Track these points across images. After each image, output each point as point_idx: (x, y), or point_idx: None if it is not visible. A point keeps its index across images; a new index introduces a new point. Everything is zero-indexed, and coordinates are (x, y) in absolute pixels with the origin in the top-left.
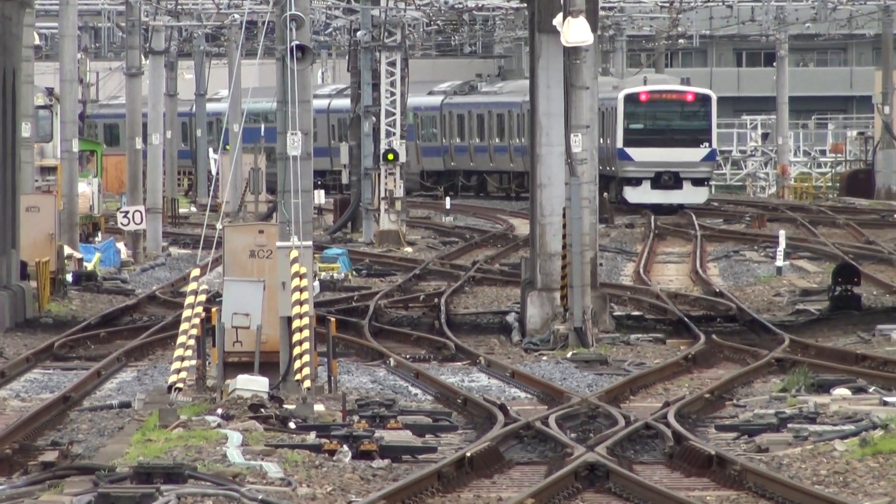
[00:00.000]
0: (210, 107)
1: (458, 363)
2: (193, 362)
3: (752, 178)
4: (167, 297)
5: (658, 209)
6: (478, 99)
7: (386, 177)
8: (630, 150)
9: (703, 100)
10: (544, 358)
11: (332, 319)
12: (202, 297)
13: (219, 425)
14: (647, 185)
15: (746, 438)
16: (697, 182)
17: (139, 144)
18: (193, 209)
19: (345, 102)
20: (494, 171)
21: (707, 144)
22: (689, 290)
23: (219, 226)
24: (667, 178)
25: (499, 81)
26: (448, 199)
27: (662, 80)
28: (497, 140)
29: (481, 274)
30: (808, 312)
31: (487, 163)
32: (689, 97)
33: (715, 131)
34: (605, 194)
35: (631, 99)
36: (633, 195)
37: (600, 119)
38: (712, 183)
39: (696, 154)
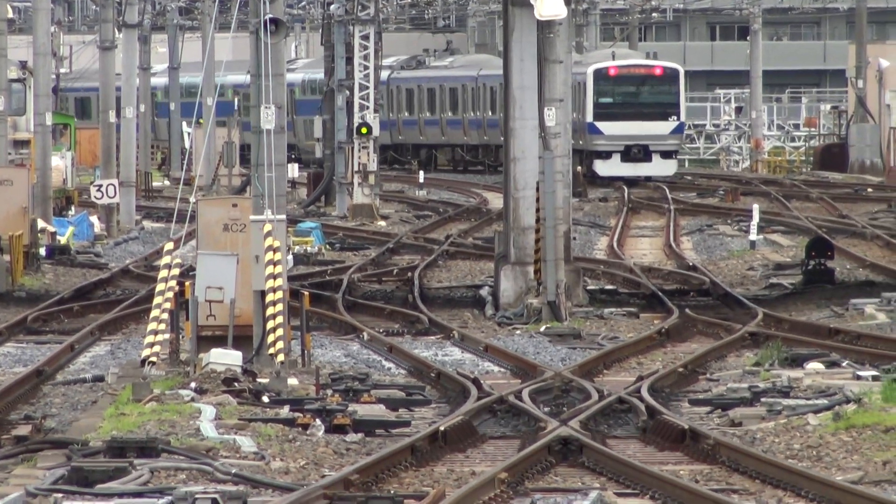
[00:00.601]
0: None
1: (432, 337)
2: (167, 336)
3: (725, 152)
4: (141, 270)
5: (627, 181)
6: (428, 73)
7: (359, 150)
8: (600, 124)
9: (671, 74)
10: (518, 332)
11: (306, 293)
12: (175, 271)
13: (192, 399)
14: (616, 158)
15: (720, 412)
16: (666, 154)
17: (113, 118)
18: (167, 183)
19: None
20: (446, 145)
21: (675, 118)
22: (663, 264)
23: (192, 199)
24: (636, 151)
25: (447, 56)
26: (422, 172)
27: (629, 55)
28: (450, 114)
29: (455, 248)
30: (782, 286)
31: (439, 136)
32: (658, 71)
33: (683, 105)
34: (580, 168)
35: (600, 74)
36: (602, 168)
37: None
38: (686, 157)
39: (664, 127)
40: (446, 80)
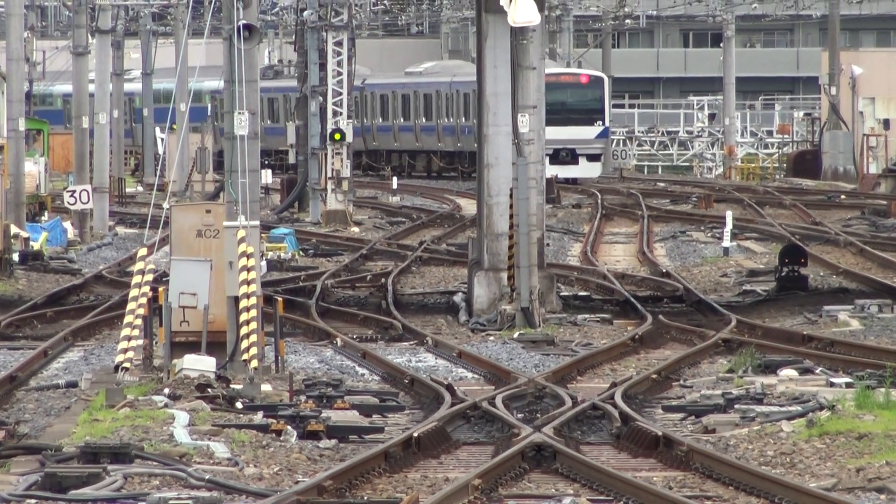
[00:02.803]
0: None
1: (406, 343)
2: (140, 342)
3: (698, 159)
4: (114, 276)
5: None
6: (288, 83)
7: (333, 157)
8: None
9: (596, 81)
10: (491, 338)
11: (280, 299)
12: (149, 277)
13: (166, 405)
14: (545, 160)
15: (693, 419)
16: (592, 158)
17: (86, 123)
18: (140, 188)
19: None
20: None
21: (600, 122)
22: (636, 271)
23: (166, 205)
24: (564, 154)
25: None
26: (395, 178)
27: (553, 64)
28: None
29: (428, 254)
30: (755, 293)
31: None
32: (584, 79)
33: (608, 110)
34: (555, 174)
35: None
36: None
37: None
38: (659, 163)
39: (590, 132)
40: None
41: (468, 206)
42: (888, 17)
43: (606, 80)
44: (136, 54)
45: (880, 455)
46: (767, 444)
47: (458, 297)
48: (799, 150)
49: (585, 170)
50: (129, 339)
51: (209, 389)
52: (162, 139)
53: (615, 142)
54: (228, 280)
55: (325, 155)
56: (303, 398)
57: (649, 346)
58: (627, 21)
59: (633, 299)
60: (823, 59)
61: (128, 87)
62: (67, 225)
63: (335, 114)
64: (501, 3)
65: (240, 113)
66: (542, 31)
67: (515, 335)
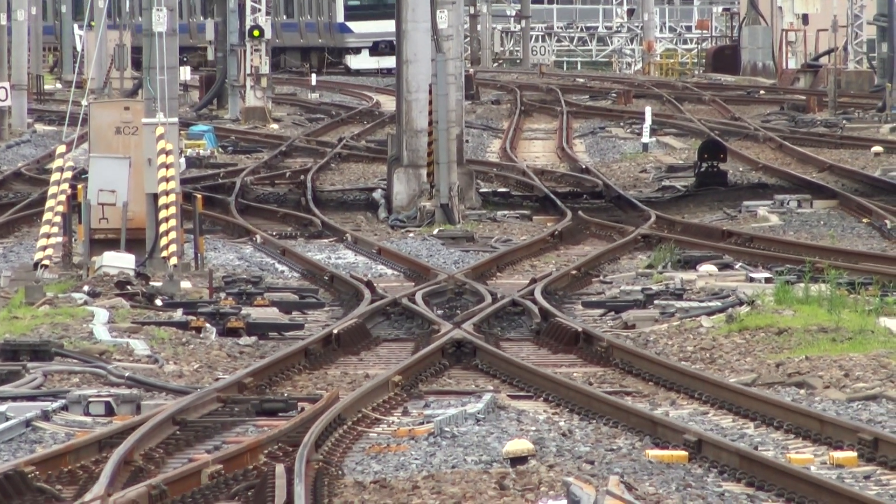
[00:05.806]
0: None
1: (325, 240)
2: (60, 239)
3: (617, 55)
4: (33, 174)
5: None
6: None
7: (251, 53)
8: (350, 24)
9: None
10: (411, 235)
11: (199, 196)
12: (68, 174)
13: (85, 302)
14: (365, 53)
15: (613, 315)
16: None
17: (3, 20)
18: (59, 86)
19: None
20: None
21: None
22: (556, 167)
23: (84, 102)
24: (383, 47)
25: None
26: (314, 75)
27: None
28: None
29: (347, 151)
30: (675, 189)
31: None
32: None
33: None
34: (470, 70)
35: None
36: (354, 62)
37: None
38: (578, 59)
39: None
40: None
41: (387, 103)
42: None
43: None
44: None
45: (799, 350)
46: (687, 340)
47: (377, 194)
48: (718, 45)
49: None
50: (48, 236)
51: (129, 287)
52: (80, 36)
53: (534, 38)
54: (147, 177)
55: (244, 52)
56: (222, 295)
57: (569, 242)
58: None
59: (552, 195)
60: None
61: None
62: None
63: (254, 10)
64: None
65: (158, 9)
66: None
67: (435, 232)
